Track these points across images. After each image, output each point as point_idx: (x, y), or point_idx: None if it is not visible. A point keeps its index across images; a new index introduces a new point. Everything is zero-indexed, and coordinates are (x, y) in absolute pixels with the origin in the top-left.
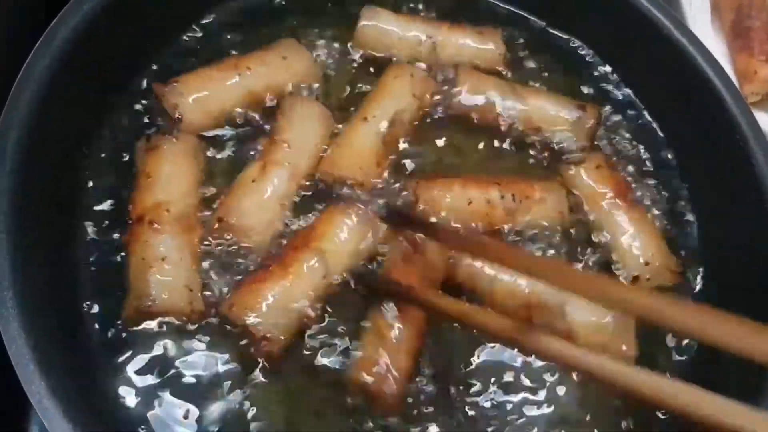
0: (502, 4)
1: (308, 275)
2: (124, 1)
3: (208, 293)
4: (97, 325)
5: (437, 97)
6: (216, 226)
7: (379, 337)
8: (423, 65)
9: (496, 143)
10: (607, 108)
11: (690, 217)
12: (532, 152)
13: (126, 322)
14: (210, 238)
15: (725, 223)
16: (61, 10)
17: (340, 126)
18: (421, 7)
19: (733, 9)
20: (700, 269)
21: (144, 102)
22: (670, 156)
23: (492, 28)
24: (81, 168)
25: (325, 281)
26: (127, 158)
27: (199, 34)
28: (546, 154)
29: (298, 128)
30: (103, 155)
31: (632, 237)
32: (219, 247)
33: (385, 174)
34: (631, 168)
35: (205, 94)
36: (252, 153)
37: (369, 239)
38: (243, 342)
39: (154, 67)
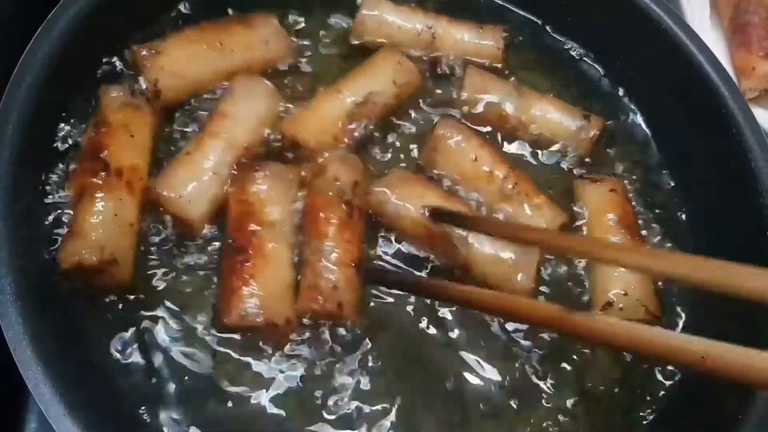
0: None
1: (275, 254)
2: None
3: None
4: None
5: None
6: (147, 194)
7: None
8: (418, 53)
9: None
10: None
11: None
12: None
13: (62, 262)
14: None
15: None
16: None
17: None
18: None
19: (732, 5)
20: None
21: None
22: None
23: (492, 24)
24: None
25: (293, 247)
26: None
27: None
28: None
29: (240, 103)
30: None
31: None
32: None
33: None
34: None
35: (184, 71)
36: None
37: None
38: None
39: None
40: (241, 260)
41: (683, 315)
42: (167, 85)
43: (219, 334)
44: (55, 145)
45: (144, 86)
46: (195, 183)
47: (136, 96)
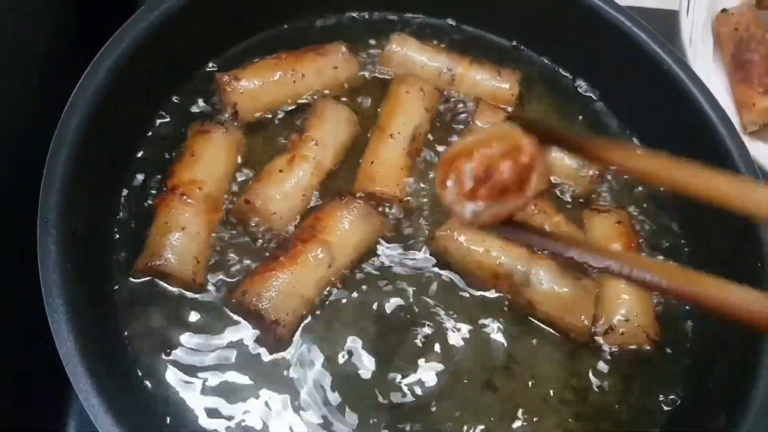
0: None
1: (314, 264)
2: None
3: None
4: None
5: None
6: (243, 206)
7: None
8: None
9: None
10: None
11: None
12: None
13: (134, 273)
14: (232, 218)
15: None
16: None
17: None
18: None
19: (733, 42)
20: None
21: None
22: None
23: (510, 69)
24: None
25: (331, 270)
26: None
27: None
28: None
29: (327, 128)
30: (160, 135)
31: (623, 291)
32: (234, 232)
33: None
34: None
35: (260, 93)
36: (283, 142)
37: (369, 232)
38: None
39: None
40: (278, 255)
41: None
42: (245, 107)
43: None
44: (110, 168)
45: (226, 112)
46: (286, 201)
47: (214, 120)
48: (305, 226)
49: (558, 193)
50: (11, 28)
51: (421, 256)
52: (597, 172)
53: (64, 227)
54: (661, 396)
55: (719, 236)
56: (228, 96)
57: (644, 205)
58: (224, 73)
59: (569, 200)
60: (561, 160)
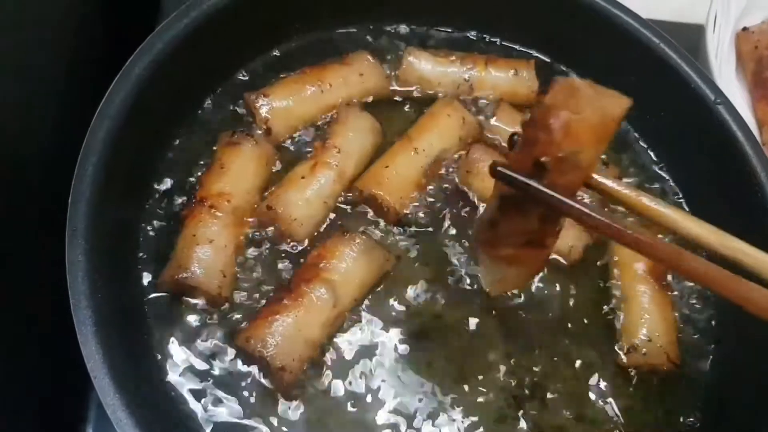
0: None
1: (318, 305)
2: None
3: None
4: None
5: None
6: (264, 212)
7: None
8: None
9: None
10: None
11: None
12: None
13: (159, 286)
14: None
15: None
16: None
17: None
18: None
19: (754, 60)
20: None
21: (234, 99)
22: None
23: (525, 61)
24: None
25: (336, 310)
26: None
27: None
28: None
29: (350, 136)
30: (188, 145)
31: (646, 311)
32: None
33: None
34: None
35: (291, 109)
36: (307, 151)
37: (374, 268)
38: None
39: (244, 74)
40: (281, 296)
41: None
42: (277, 124)
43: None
44: (138, 177)
45: (260, 129)
46: (307, 208)
47: (248, 135)
48: (308, 263)
49: None
50: (37, 35)
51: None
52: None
53: (92, 237)
54: (681, 418)
55: None
56: (259, 115)
57: None
58: (252, 91)
59: None
60: None
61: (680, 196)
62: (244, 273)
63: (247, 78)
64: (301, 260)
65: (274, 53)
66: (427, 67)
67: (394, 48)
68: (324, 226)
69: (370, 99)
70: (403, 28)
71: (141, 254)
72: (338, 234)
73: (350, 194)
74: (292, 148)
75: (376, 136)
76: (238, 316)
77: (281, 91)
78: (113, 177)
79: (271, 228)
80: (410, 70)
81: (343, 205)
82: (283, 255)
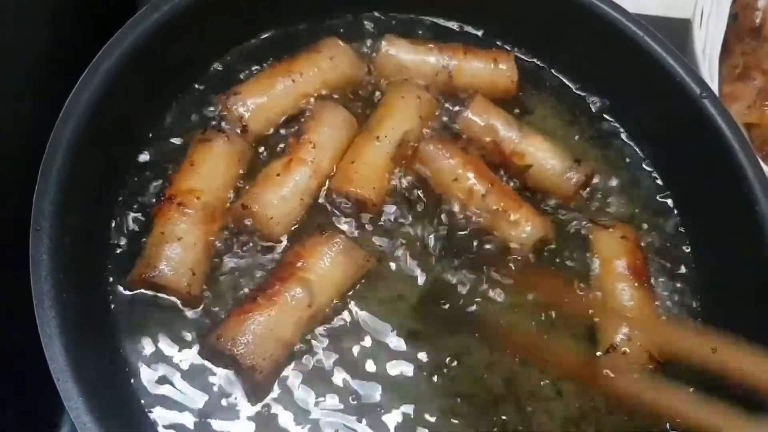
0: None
1: (293, 305)
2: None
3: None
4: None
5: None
6: (240, 211)
7: None
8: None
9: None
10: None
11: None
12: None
13: (128, 285)
14: (228, 229)
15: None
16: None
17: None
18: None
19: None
20: None
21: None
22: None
23: (505, 53)
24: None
25: (311, 310)
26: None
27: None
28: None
29: (325, 131)
30: (159, 143)
31: (627, 309)
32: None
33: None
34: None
35: (266, 102)
36: (280, 147)
37: (352, 269)
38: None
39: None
40: (255, 295)
41: None
42: (254, 119)
43: None
44: (106, 175)
45: (237, 127)
46: (284, 206)
47: (219, 132)
48: (284, 262)
49: (540, 198)
50: (11, 28)
51: None
52: (582, 178)
53: (57, 236)
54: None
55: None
56: (232, 113)
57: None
58: (222, 93)
59: (551, 206)
60: (546, 160)
61: (666, 191)
62: (219, 272)
63: (221, 69)
64: (277, 258)
65: (252, 43)
66: (404, 55)
67: (372, 38)
68: (301, 223)
69: (345, 86)
70: (382, 19)
71: (110, 253)
72: (317, 233)
73: (329, 197)
74: (269, 142)
75: (351, 129)
76: (210, 318)
77: (253, 87)
78: (80, 174)
79: (247, 226)
80: (387, 58)
81: (321, 202)
82: (259, 254)
